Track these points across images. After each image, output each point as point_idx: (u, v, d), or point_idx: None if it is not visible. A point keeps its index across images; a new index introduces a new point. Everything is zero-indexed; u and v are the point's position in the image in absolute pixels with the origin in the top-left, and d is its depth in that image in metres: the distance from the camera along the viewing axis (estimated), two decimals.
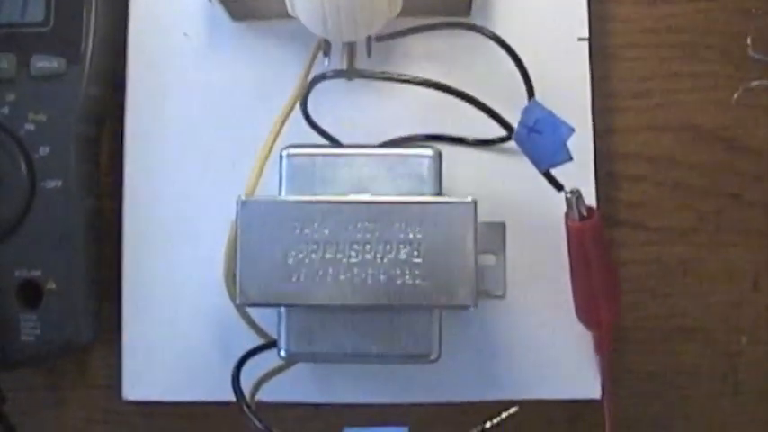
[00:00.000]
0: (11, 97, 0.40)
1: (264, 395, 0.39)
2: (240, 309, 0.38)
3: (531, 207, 0.40)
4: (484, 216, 0.37)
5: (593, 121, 0.41)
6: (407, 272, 0.35)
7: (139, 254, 0.41)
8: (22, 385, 0.42)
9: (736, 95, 0.43)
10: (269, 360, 0.38)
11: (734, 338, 0.42)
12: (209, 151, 0.41)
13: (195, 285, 0.41)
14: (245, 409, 0.37)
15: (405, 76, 0.38)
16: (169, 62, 0.42)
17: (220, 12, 0.41)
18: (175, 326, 0.41)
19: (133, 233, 0.41)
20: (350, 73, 0.39)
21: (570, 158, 0.36)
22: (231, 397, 0.37)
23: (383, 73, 0.39)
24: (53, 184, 0.40)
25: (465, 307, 0.36)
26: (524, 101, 0.38)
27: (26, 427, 0.42)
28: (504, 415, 0.37)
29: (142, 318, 0.41)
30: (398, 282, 0.35)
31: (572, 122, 0.36)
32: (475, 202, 0.36)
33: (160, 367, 0.41)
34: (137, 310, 0.41)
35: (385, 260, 0.35)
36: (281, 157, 0.37)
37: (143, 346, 0.41)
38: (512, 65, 0.39)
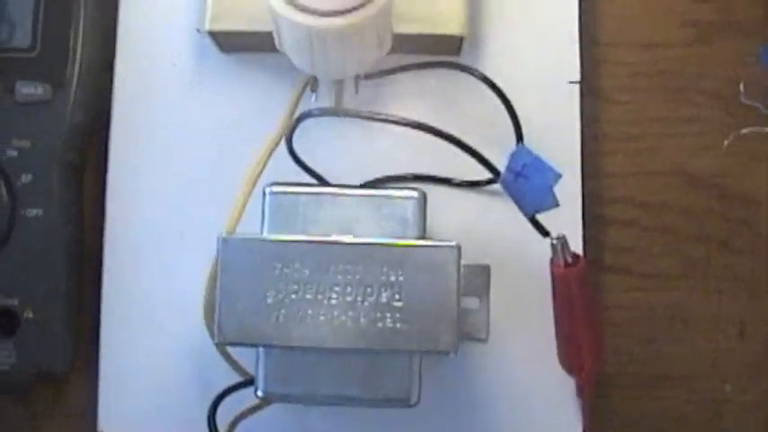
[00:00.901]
0: None
1: None
2: (219, 346, 0.38)
3: (517, 250, 0.40)
4: (469, 258, 0.36)
5: (582, 164, 0.41)
6: (388, 315, 0.35)
7: (119, 285, 0.41)
8: None
9: (727, 142, 0.42)
10: (247, 397, 0.37)
11: (719, 386, 0.42)
12: (192, 184, 0.41)
13: (175, 320, 0.40)
14: None
15: (392, 116, 0.37)
16: (156, 91, 0.42)
17: (209, 43, 0.41)
18: (154, 359, 0.40)
19: (114, 264, 0.41)
20: (336, 111, 0.39)
21: (557, 204, 0.36)
22: None
23: (370, 112, 0.38)
24: (34, 212, 0.40)
25: (445, 353, 0.35)
26: (513, 142, 0.38)
27: None
28: None
29: (120, 350, 0.41)
30: (379, 325, 0.35)
31: (561, 165, 0.36)
32: (459, 247, 0.35)
33: (137, 401, 0.40)
34: (115, 342, 0.41)
35: (365, 303, 0.35)
36: (264, 193, 0.37)
37: (120, 378, 0.40)
38: (501, 106, 0.39)
